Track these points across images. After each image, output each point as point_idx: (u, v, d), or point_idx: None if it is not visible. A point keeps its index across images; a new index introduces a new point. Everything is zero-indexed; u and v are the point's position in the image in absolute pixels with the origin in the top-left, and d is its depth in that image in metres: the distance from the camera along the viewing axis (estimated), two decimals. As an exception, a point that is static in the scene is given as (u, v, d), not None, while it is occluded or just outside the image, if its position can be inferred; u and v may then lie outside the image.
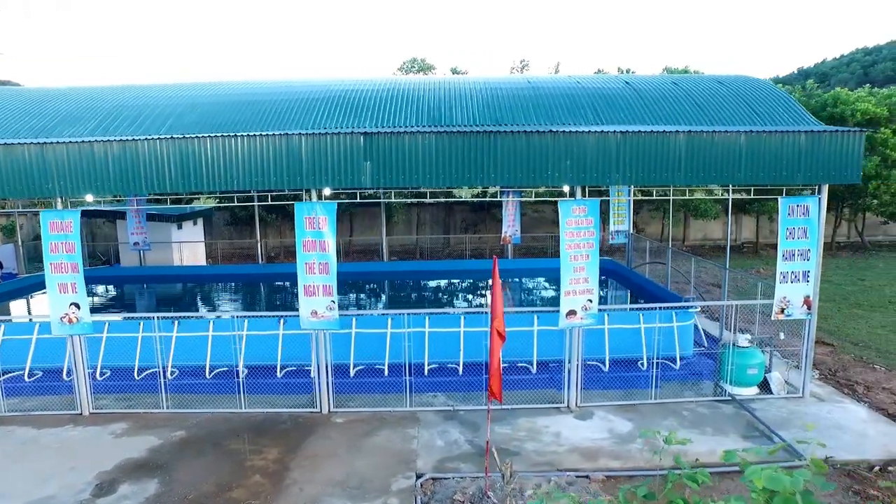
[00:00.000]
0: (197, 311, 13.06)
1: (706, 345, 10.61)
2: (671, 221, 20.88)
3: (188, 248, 18.32)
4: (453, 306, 14.29)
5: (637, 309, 10.08)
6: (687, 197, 16.99)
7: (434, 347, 9.36)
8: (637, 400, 8.53)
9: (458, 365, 9.30)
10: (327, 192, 8.64)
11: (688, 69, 21.23)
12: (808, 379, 8.63)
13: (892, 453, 6.89)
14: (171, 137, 7.34)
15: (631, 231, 15.88)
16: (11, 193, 7.54)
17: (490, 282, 6.32)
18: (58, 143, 7.32)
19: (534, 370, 9.34)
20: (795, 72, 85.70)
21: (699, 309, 10.30)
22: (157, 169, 7.39)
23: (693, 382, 9.14)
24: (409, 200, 19.76)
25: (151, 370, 9.03)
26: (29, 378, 9.06)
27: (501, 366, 9.07)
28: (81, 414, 8.18)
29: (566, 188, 8.91)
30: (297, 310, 8.00)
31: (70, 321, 7.92)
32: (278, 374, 9.34)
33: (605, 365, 9.42)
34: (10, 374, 9.01)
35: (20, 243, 16.24)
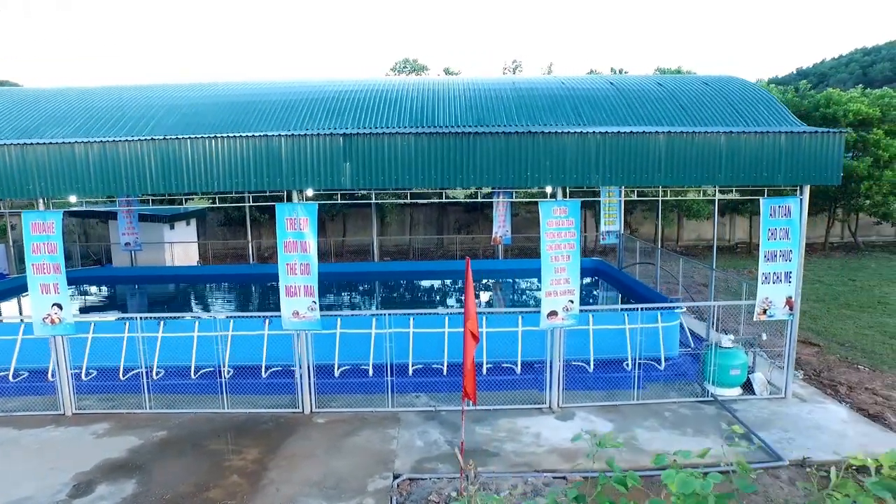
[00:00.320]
0: (184, 311, 13.08)
1: (692, 345, 10.64)
2: (664, 222, 20.90)
3: (181, 248, 18.34)
4: (438, 307, 14.31)
5: (622, 309, 10.10)
6: (677, 198, 17.01)
7: (419, 348, 9.38)
8: (620, 401, 8.54)
9: (443, 365, 9.33)
10: (310, 192, 8.67)
11: (680, 69, 21.23)
12: (791, 379, 8.64)
13: (870, 454, 6.86)
14: (152, 139, 7.36)
15: (622, 232, 15.89)
16: (-7, 194, 7.56)
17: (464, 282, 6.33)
18: (38, 143, 7.34)
19: (518, 371, 9.36)
20: (794, 72, 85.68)
21: (685, 309, 10.29)
22: (138, 170, 7.41)
23: (678, 383, 9.15)
24: (400, 201, 19.76)
25: (137, 370, 9.06)
26: (14, 378, 9.09)
27: (486, 367, 9.16)
28: (64, 414, 8.19)
29: (555, 187, 8.91)
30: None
31: (52, 322, 7.93)
32: (263, 375, 9.37)
33: (589, 366, 9.44)
34: (-6, 375, 9.04)
35: (11, 243, 16.26)
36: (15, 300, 14.08)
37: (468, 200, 20.16)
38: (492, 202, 17.07)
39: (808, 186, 8.13)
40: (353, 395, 8.86)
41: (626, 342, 9.40)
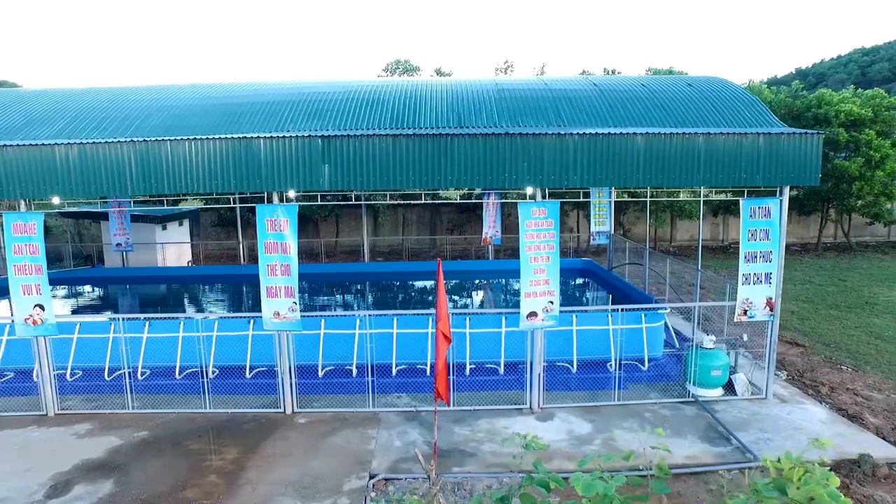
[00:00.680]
0: (171, 312, 13.11)
1: (678, 346, 10.66)
2: (657, 222, 20.92)
3: (173, 249, 18.39)
4: (424, 307, 14.35)
5: (606, 310, 10.12)
6: (667, 198, 17.02)
7: (402, 348, 9.42)
8: (602, 402, 8.56)
9: (426, 366, 9.36)
10: (292, 194, 8.71)
11: (671, 70, 21.24)
12: (771, 380, 8.65)
13: (844, 454, 6.91)
14: (132, 141, 7.39)
15: (612, 232, 15.91)
16: (-25, 195, 7.60)
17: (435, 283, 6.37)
18: (19, 145, 7.38)
19: (501, 371, 9.39)
20: (793, 72, 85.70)
21: (669, 310, 10.31)
22: (118, 172, 7.44)
23: (662, 384, 9.17)
24: (390, 202, 19.80)
25: (122, 371, 9.10)
26: (-2, 379, 9.13)
27: (470, 367, 9.17)
28: (46, 415, 8.23)
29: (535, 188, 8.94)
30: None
31: (34, 323, 7.97)
32: (247, 375, 9.42)
33: (573, 366, 9.47)
34: (-21, 375, 9.08)
35: (1, 244, 16.31)
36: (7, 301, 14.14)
37: (461, 201, 20.19)
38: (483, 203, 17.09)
39: (788, 187, 8.15)
40: (336, 395, 8.90)
41: (610, 343, 9.42)
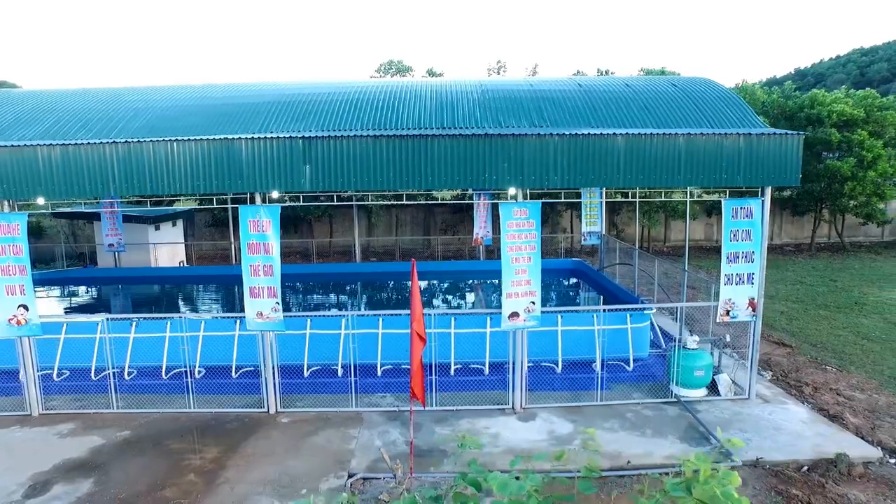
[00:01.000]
0: (159, 312, 13.15)
1: (664, 346, 10.67)
2: (650, 223, 20.94)
3: (166, 249, 18.43)
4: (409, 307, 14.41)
5: (591, 310, 10.14)
6: (656, 199, 17.01)
7: (388, 348, 9.44)
8: (585, 402, 8.58)
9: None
10: (275, 194, 8.73)
11: (664, 70, 21.27)
12: (754, 381, 8.67)
13: (821, 453, 6.93)
14: (114, 142, 7.43)
15: (603, 232, 15.93)
16: (-42, 196, 7.64)
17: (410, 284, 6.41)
18: (2, 146, 7.41)
19: (486, 372, 9.42)
20: (792, 72, 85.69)
21: (654, 310, 10.33)
22: (101, 173, 7.48)
23: (646, 384, 9.18)
24: (381, 203, 19.83)
25: (113, 370, 9.14)
26: (-16, 379, 9.16)
27: (455, 367, 9.18)
28: (30, 415, 8.27)
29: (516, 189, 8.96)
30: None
31: (18, 323, 8.01)
32: (233, 375, 9.45)
33: (558, 366, 9.50)
34: (-35, 375, 9.12)
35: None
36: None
37: (454, 202, 20.22)
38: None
39: (770, 188, 8.17)
40: (320, 395, 8.93)
41: (595, 343, 9.44)
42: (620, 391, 8.97)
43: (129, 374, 9.51)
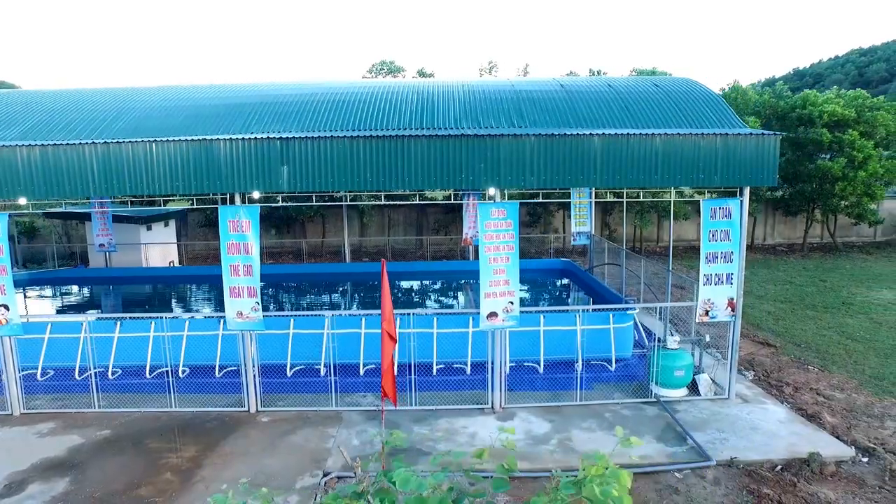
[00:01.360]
0: (147, 311, 13.19)
1: (648, 346, 10.70)
2: (643, 223, 20.95)
3: (158, 249, 18.47)
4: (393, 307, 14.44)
5: (574, 310, 10.16)
6: (650, 199, 17.04)
7: (371, 348, 9.47)
8: (565, 402, 8.61)
9: (394, 365, 9.42)
10: (256, 195, 8.77)
11: (655, 70, 21.30)
12: (734, 381, 8.69)
13: (795, 453, 6.96)
14: (93, 143, 7.47)
15: (593, 233, 15.96)
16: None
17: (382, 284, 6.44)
18: (-19, 147, 7.45)
19: (468, 371, 9.45)
20: (791, 72, 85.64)
21: (638, 310, 10.36)
22: (80, 174, 7.52)
23: (628, 384, 9.20)
24: (372, 203, 19.87)
25: (94, 370, 9.18)
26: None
27: (437, 367, 9.20)
28: (12, 415, 8.31)
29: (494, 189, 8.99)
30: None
31: None
32: (217, 374, 9.49)
33: (540, 366, 9.53)
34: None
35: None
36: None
37: (446, 202, 20.25)
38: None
39: (748, 188, 8.19)
40: (302, 394, 8.97)
41: (577, 343, 9.47)
42: (602, 391, 9.00)
43: (114, 373, 9.55)
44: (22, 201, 8.42)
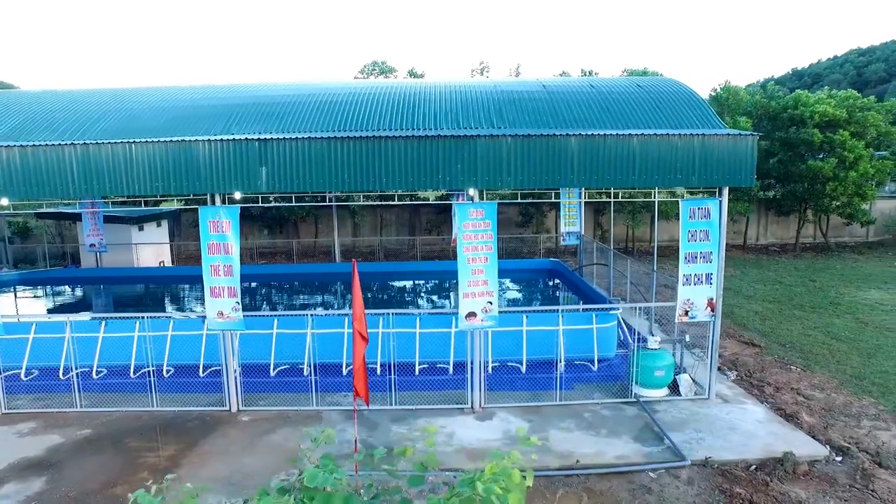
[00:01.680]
0: (135, 311, 13.24)
1: (632, 346, 10.71)
2: (635, 223, 20.97)
3: (150, 249, 18.51)
4: (376, 307, 14.48)
5: (556, 310, 10.17)
6: (642, 199, 17.06)
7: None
8: (545, 402, 8.63)
9: (377, 365, 9.45)
10: (238, 196, 8.81)
11: (646, 70, 21.33)
12: (714, 381, 8.71)
13: (770, 452, 6.98)
14: (72, 144, 7.51)
15: (582, 233, 15.97)
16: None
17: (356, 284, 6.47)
18: (-38, 148, 7.49)
19: (451, 371, 9.48)
20: (790, 72, 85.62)
21: (621, 310, 10.38)
22: (60, 174, 7.56)
23: (610, 384, 9.22)
24: (364, 203, 19.90)
25: (79, 370, 9.23)
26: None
27: (420, 367, 9.22)
28: (-7, 413, 8.35)
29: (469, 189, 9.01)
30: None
31: (-19, 322, 8.09)
32: (201, 374, 9.52)
33: (522, 366, 9.55)
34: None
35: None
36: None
37: (439, 202, 20.27)
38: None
39: (727, 188, 8.22)
40: (284, 393, 9.01)
41: (560, 343, 9.49)
42: (583, 391, 9.02)
43: (99, 373, 9.59)
44: (3, 202, 8.47)
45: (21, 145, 7.47)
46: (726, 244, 22.43)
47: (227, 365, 8.38)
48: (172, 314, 10.38)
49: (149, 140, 7.55)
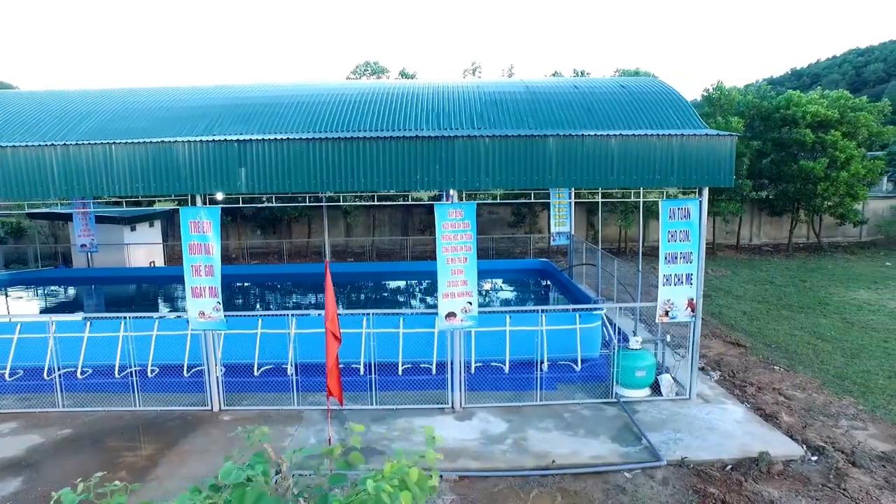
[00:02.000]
0: (121, 311, 13.30)
1: (617, 347, 10.72)
2: (626, 223, 20.98)
3: (143, 249, 18.56)
4: (361, 307, 14.52)
5: (540, 311, 10.20)
6: (628, 199, 16.92)
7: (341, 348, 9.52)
8: (526, 402, 8.65)
9: (360, 364, 9.49)
10: (220, 196, 8.85)
11: (638, 71, 21.33)
12: (695, 381, 8.73)
13: (746, 452, 7.00)
14: (52, 145, 7.54)
15: (572, 233, 15.99)
16: None
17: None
18: (-58, 149, 7.52)
19: (434, 371, 9.51)
20: (789, 72, 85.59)
21: (605, 310, 10.39)
22: (40, 175, 7.59)
23: (593, 384, 9.24)
24: (356, 203, 19.91)
25: (64, 370, 9.28)
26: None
27: (403, 367, 9.26)
28: (-24, 413, 8.38)
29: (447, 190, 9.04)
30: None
31: (-37, 322, 8.12)
32: (185, 374, 9.56)
33: (506, 366, 9.58)
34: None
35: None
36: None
37: (432, 202, 20.34)
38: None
39: (707, 188, 8.23)
40: (267, 393, 9.05)
41: (543, 343, 9.52)
42: (565, 391, 9.04)
43: (84, 373, 9.63)
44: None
45: (1, 146, 7.50)
46: (719, 244, 22.55)
47: (209, 364, 8.41)
48: (156, 314, 10.41)
49: (129, 141, 7.58)
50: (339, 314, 9.87)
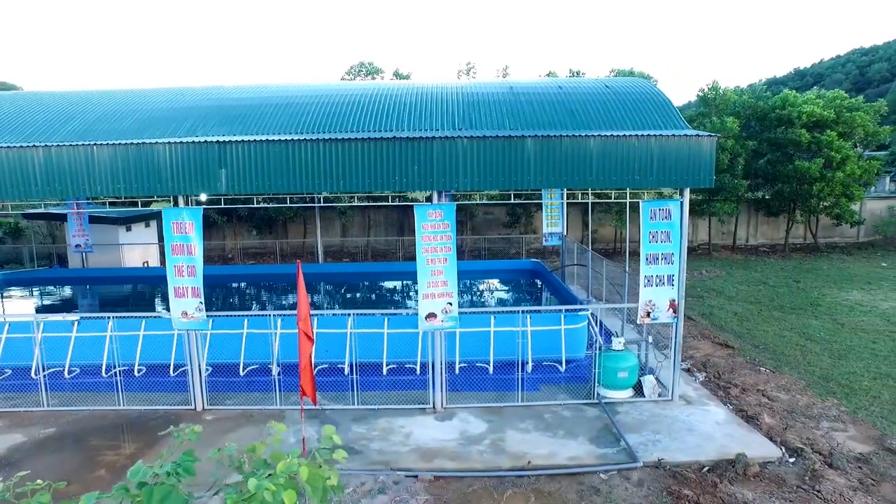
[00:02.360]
0: (111, 311, 13.40)
1: (604, 347, 10.71)
2: (620, 223, 20.93)
3: (138, 249, 18.66)
4: (345, 307, 14.54)
5: (524, 311, 10.20)
6: (620, 200, 16.86)
7: (320, 348, 9.56)
8: (508, 402, 8.65)
9: (344, 364, 9.52)
10: (203, 197, 8.89)
11: (632, 71, 21.30)
12: (677, 382, 8.71)
13: (724, 454, 6.98)
14: (34, 146, 7.61)
15: (565, 233, 15.98)
16: None
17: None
18: (-74, 150, 7.60)
19: (418, 372, 9.53)
20: (792, 72, 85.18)
21: (591, 311, 10.39)
22: (22, 176, 7.66)
23: (577, 385, 9.23)
24: (350, 204, 19.94)
25: (51, 369, 9.36)
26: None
27: (388, 367, 9.28)
28: (-40, 413, 8.46)
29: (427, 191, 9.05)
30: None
31: (-51, 322, 8.20)
32: (171, 373, 9.62)
33: (490, 367, 9.59)
34: None
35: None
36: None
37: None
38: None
39: (688, 189, 8.22)
40: (251, 392, 9.09)
41: (527, 344, 9.53)
42: (548, 392, 9.03)
43: (71, 373, 9.70)
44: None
45: (-16, 148, 7.57)
46: (715, 245, 22.48)
47: (192, 364, 8.45)
48: (142, 314, 10.47)
49: (110, 142, 7.64)
50: (324, 314, 9.95)
